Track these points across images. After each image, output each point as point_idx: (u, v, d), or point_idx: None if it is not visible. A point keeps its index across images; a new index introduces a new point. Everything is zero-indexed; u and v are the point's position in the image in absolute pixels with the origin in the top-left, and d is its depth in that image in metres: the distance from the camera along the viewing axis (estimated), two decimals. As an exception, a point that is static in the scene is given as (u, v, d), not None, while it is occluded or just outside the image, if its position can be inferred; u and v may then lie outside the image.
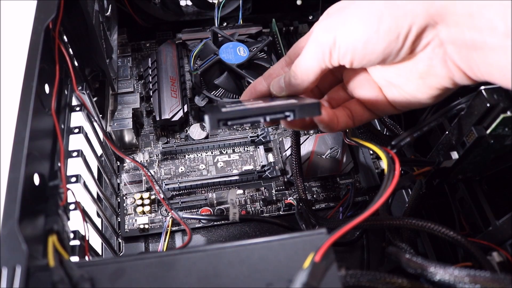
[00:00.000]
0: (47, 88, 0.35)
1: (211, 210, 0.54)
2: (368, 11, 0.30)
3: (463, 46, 0.28)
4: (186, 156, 0.59)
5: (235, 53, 0.60)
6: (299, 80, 0.35)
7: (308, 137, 0.58)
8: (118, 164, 0.58)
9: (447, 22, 0.28)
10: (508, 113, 0.34)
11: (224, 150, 0.60)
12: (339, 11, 0.32)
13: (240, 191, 0.57)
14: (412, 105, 0.35)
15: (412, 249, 0.40)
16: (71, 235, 0.34)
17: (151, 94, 0.61)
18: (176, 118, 0.58)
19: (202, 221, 0.53)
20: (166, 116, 0.58)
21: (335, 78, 0.40)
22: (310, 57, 0.34)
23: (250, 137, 0.59)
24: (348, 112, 0.38)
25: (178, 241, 0.53)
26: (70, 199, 0.35)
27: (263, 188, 0.57)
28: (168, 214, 0.53)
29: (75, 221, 0.35)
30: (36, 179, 0.31)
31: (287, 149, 0.57)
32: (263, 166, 0.57)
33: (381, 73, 0.35)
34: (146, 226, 0.53)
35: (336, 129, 0.37)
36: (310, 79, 0.35)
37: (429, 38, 0.29)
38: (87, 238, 0.36)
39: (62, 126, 0.38)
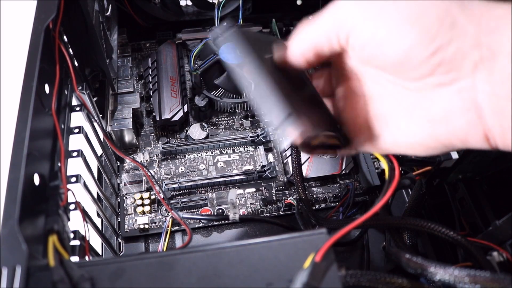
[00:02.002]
0: (47, 88, 0.35)
1: (211, 210, 0.54)
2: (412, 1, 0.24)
3: (504, 98, 0.22)
4: (186, 156, 0.59)
5: (235, 53, 0.60)
6: (297, 55, 0.30)
7: (308, 137, 0.58)
8: (118, 164, 0.58)
9: (494, 66, 0.22)
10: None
11: (224, 150, 0.60)
12: None
13: (240, 191, 0.57)
14: (401, 148, 0.29)
15: (412, 249, 0.40)
16: (71, 235, 0.34)
17: (151, 94, 0.61)
18: (176, 118, 0.58)
19: (202, 221, 0.53)
20: (166, 116, 0.58)
21: (329, 88, 0.34)
22: (320, 30, 0.28)
23: (250, 137, 0.59)
24: None
25: (178, 241, 0.53)
26: (70, 199, 0.35)
27: (263, 188, 0.57)
28: (168, 214, 0.53)
29: (75, 221, 0.35)
30: (36, 179, 0.31)
31: (287, 149, 0.57)
32: (263, 166, 0.57)
33: (382, 100, 0.29)
34: (146, 226, 0.53)
35: None
36: (308, 56, 0.29)
37: (462, 73, 0.24)
38: (87, 238, 0.36)
39: (62, 126, 0.38)
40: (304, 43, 0.29)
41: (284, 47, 0.31)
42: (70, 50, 0.43)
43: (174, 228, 0.53)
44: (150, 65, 0.63)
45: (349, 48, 0.28)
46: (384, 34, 0.25)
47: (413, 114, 0.27)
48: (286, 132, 0.27)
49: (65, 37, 0.41)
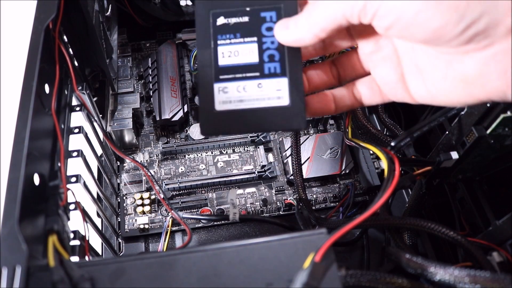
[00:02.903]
0: (47, 88, 0.35)
1: (211, 210, 0.54)
2: None
3: None
4: (186, 156, 0.59)
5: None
6: (314, 27, 0.28)
7: (308, 137, 0.58)
8: (118, 164, 0.58)
9: None
10: (508, 113, 0.34)
11: (224, 150, 0.60)
12: None
13: (240, 191, 0.57)
14: (435, 102, 0.28)
15: (412, 249, 0.40)
16: (71, 235, 0.34)
17: (151, 94, 0.61)
18: (176, 118, 0.58)
19: (202, 221, 0.53)
20: (166, 116, 0.58)
21: (350, 38, 0.32)
22: (339, 3, 0.26)
23: (250, 137, 0.59)
24: (351, 93, 0.32)
25: (178, 241, 0.53)
26: (70, 199, 0.35)
27: (263, 188, 0.57)
28: (168, 214, 0.53)
29: (75, 221, 0.35)
30: (36, 179, 0.31)
31: (287, 149, 0.57)
32: (263, 166, 0.57)
33: (415, 56, 0.28)
34: (146, 226, 0.53)
35: (335, 111, 0.33)
36: (328, 28, 0.27)
37: (496, 38, 0.23)
38: (87, 238, 0.36)
39: (62, 126, 0.38)
40: (320, 23, 0.27)
41: (289, 22, 0.29)
42: (70, 50, 0.43)
43: (174, 228, 0.53)
44: (150, 65, 0.63)
45: (373, 25, 0.26)
46: (411, 16, 0.24)
47: (447, 74, 0.26)
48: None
49: (65, 37, 0.41)
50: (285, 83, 0.30)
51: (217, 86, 0.30)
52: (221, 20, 0.30)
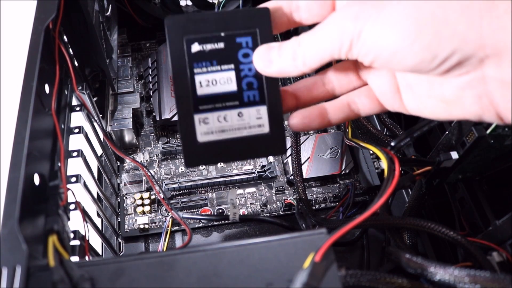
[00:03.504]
0: (47, 88, 0.35)
1: (211, 210, 0.54)
2: (409, 17, 0.24)
3: None
4: (186, 156, 0.59)
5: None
6: (299, 63, 0.28)
7: (308, 137, 0.58)
8: (118, 164, 0.58)
9: (501, 60, 0.23)
10: (508, 113, 0.34)
11: (224, 150, 0.60)
12: (377, 1, 0.26)
13: (240, 191, 0.57)
14: (423, 115, 0.30)
15: (412, 249, 0.40)
16: (71, 235, 0.34)
17: (151, 94, 0.61)
18: (176, 118, 0.58)
19: (202, 221, 0.53)
20: (166, 116, 0.58)
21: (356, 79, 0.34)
22: (325, 43, 0.27)
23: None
24: (347, 105, 0.33)
25: (178, 241, 0.53)
26: (70, 199, 0.35)
27: (263, 188, 0.57)
28: (168, 214, 0.53)
29: (75, 221, 0.35)
30: (36, 179, 0.31)
31: (287, 149, 0.57)
32: (263, 166, 0.57)
33: (404, 74, 0.30)
34: (146, 226, 0.53)
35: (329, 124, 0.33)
36: (314, 66, 0.28)
37: (469, 69, 0.25)
38: (87, 238, 0.36)
39: (62, 126, 0.38)
40: (307, 60, 0.28)
41: (268, 50, 0.30)
42: (70, 50, 0.43)
43: (174, 228, 0.53)
44: (150, 65, 0.63)
45: (359, 60, 0.28)
46: (388, 56, 0.26)
47: (430, 94, 0.28)
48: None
49: (65, 37, 0.41)
50: (264, 111, 0.30)
51: (197, 117, 0.30)
52: (195, 47, 0.29)
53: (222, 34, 0.29)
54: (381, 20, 0.25)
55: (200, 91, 0.30)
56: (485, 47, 0.23)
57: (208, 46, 0.29)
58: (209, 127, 0.30)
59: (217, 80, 0.30)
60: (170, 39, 0.29)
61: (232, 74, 0.30)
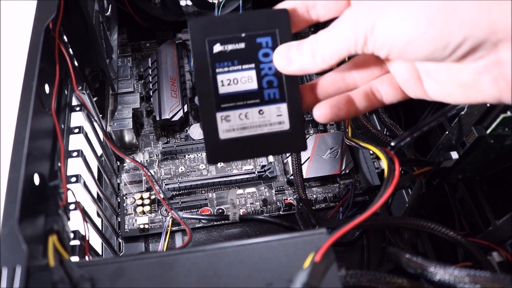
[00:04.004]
0: (47, 88, 0.35)
1: (211, 210, 0.54)
2: (419, 8, 0.25)
3: None
4: (186, 156, 0.59)
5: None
6: (318, 61, 0.29)
7: (308, 137, 0.58)
8: (118, 164, 0.58)
9: None
10: (508, 113, 0.35)
11: (224, 150, 0.60)
12: None
13: (240, 191, 0.57)
14: (444, 100, 0.31)
15: (412, 249, 0.40)
16: (71, 235, 0.34)
17: (151, 94, 0.61)
18: (176, 118, 0.58)
19: (202, 221, 0.53)
20: (166, 116, 0.58)
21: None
22: (341, 39, 0.28)
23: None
24: (371, 93, 0.33)
25: (178, 241, 0.53)
26: (70, 199, 0.35)
27: (263, 188, 0.57)
28: (168, 214, 0.53)
29: (75, 221, 0.35)
30: (36, 179, 0.31)
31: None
32: (263, 166, 0.57)
33: (421, 63, 0.30)
34: (146, 226, 0.53)
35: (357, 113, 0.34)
36: (332, 62, 0.29)
37: (484, 53, 0.25)
38: (87, 238, 0.36)
39: (62, 126, 0.38)
40: (325, 57, 0.29)
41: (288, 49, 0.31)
42: (70, 50, 0.43)
43: (174, 228, 0.53)
44: (150, 65, 0.63)
45: (375, 53, 0.29)
46: (401, 46, 0.26)
47: (448, 80, 0.28)
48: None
49: (65, 37, 0.41)
50: (284, 108, 0.31)
51: (219, 115, 0.31)
52: (217, 48, 0.30)
53: (243, 35, 0.30)
54: (392, 13, 0.26)
55: (222, 90, 0.31)
56: (496, 32, 0.24)
57: (229, 47, 0.30)
58: (231, 124, 0.31)
59: (238, 79, 0.31)
60: (193, 41, 0.30)
61: (252, 73, 0.31)
